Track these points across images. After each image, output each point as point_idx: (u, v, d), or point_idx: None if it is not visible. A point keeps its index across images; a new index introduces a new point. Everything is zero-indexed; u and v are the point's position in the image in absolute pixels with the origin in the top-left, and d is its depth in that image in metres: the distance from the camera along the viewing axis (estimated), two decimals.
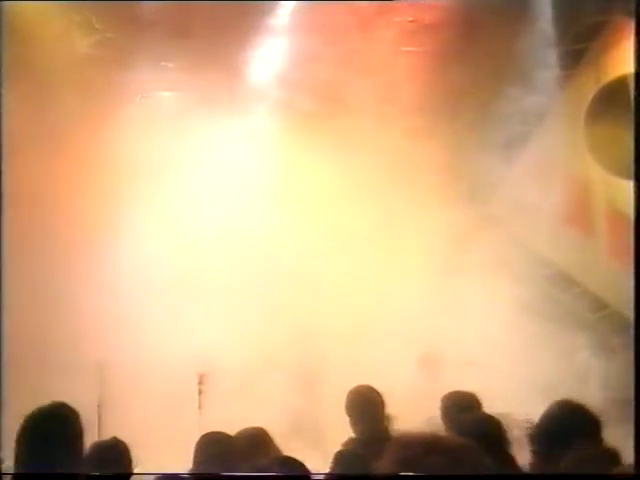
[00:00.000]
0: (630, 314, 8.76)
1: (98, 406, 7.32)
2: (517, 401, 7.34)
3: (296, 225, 8.94)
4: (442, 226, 9.33)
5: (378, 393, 5.84)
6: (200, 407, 7.16)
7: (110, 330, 8.05)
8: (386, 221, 9.13)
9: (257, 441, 4.86)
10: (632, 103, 9.09)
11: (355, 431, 5.80)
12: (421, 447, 2.29)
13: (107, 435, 6.29)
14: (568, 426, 3.98)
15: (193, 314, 8.17)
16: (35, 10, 8.74)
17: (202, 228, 8.81)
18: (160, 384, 7.89)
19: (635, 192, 8.81)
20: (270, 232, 8.94)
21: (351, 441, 5.62)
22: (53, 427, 3.76)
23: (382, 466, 2.31)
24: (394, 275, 9.01)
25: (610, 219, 9.88)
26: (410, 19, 9.53)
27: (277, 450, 5.06)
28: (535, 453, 4.20)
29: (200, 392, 7.28)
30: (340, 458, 5.12)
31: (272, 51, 9.37)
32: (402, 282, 8.93)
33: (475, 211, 9.88)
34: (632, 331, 8.64)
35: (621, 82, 9.50)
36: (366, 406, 5.80)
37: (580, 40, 9.91)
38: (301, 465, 4.43)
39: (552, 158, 9.89)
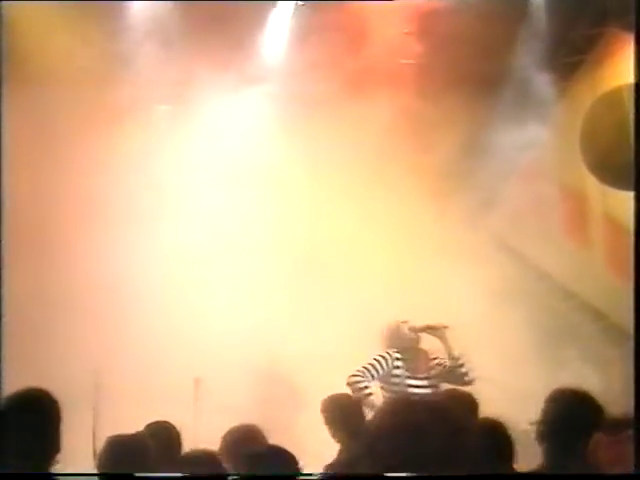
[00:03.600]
0: (627, 324, 8.74)
1: (93, 409, 7.28)
2: (513, 411, 7.28)
3: (300, 219, 8.96)
4: (439, 241, 9.36)
5: (355, 400, 5.85)
6: (195, 413, 7.10)
7: (106, 334, 8.02)
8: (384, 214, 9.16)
9: (248, 436, 4.84)
10: (629, 114, 9.11)
11: (338, 441, 5.80)
12: (405, 407, 2.36)
13: (102, 439, 6.26)
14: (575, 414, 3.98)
15: (190, 319, 8.15)
16: (35, 21, 8.78)
17: (200, 233, 8.78)
18: (155, 389, 7.83)
19: (635, 203, 8.81)
20: (271, 232, 8.98)
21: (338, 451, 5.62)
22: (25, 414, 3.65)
23: (370, 433, 2.36)
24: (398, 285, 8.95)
25: (607, 230, 9.88)
26: (406, 31, 9.59)
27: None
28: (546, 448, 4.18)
29: (196, 398, 7.22)
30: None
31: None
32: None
33: (472, 225, 9.90)
34: (631, 339, 8.60)
35: (617, 93, 9.51)
36: (346, 415, 5.78)
37: (576, 52, 9.97)
38: (291, 456, 4.39)
39: (548, 169, 9.91)
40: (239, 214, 8.98)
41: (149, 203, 8.86)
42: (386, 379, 7.18)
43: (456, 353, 7.27)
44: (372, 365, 7.15)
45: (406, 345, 7.30)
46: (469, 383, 7.18)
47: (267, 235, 8.96)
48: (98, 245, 8.48)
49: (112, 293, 8.32)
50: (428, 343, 7.47)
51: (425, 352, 7.37)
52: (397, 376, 7.20)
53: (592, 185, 9.90)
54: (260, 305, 8.49)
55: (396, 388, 7.15)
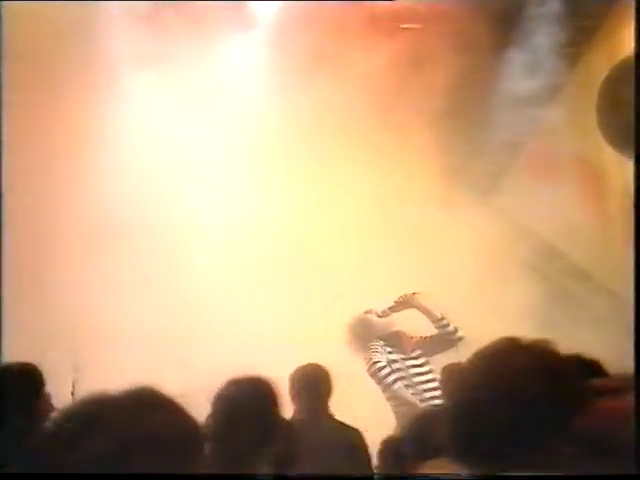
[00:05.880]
0: None
1: (74, 370, 6.93)
2: None
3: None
4: (442, 217, 8.94)
5: (324, 371, 5.50)
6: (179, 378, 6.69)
7: (86, 297, 7.66)
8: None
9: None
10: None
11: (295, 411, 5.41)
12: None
13: None
14: None
15: (174, 281, 7.84)
16: None
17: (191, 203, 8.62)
18: (138, 353, 7.45)
19: (635, 173, 8.32)
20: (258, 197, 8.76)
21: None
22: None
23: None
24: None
25: (626, 205, 9.35)
26: None
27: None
28: None
29: (182, 366, 6.84)
30: None
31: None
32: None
33: (482, 202, 9.51)
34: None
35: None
36: (308, 385, 5.46)
37: (591, 16, 9.46)
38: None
39: (563, 141, 9.44)
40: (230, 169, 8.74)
41: (141, 159, 8.59)
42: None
43: (438, 314, 6.95)
44: (375, 351, 6.89)
45: (382, 332, 7.00)
46: (460, 339, 6.88)
47: (255, 200, 8.74)
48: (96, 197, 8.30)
49: (94, 257, 8.10)
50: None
51: (403, 332, 7.05)
52: (395, 361, 6.87)
53: (610, 158, 9.37)
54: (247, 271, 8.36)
55: (402, 373, 6.84)
